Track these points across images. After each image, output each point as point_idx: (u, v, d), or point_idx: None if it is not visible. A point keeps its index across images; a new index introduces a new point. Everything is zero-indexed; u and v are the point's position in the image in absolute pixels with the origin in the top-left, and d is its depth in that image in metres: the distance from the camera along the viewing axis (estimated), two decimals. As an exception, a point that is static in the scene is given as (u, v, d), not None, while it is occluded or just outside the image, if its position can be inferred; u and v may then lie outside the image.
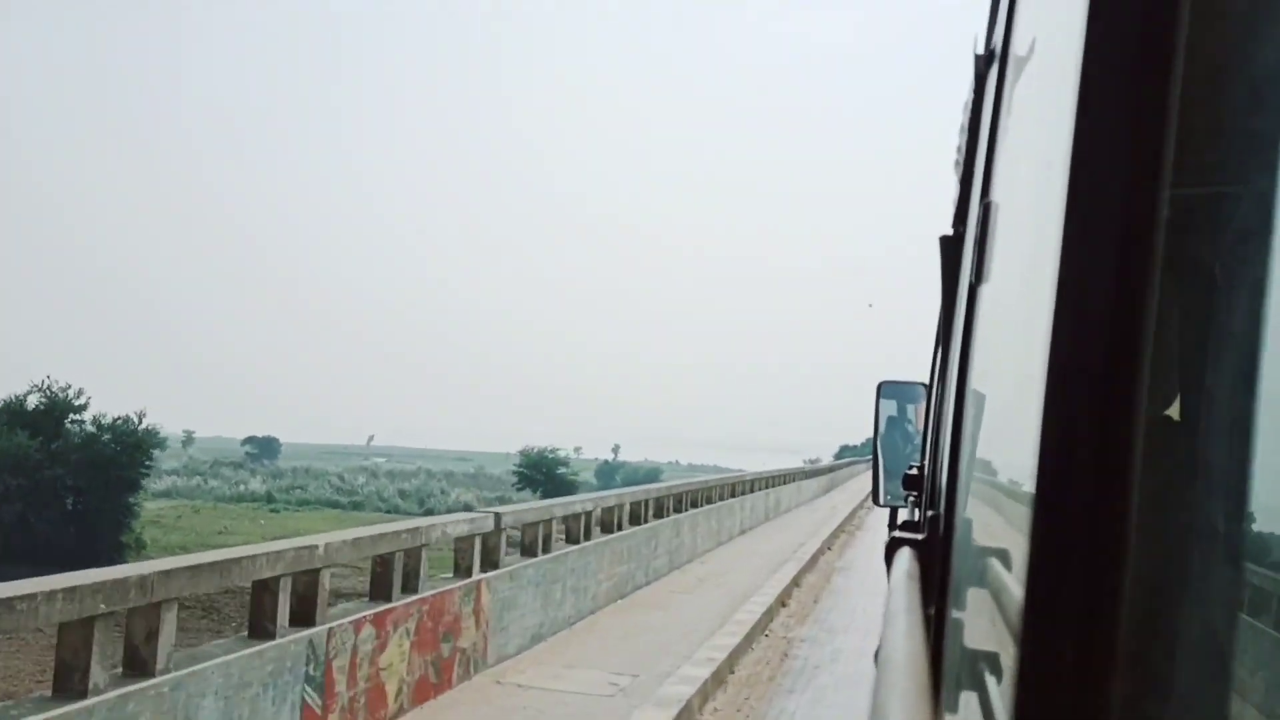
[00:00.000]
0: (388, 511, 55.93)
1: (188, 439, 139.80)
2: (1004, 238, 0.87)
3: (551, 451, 49.15)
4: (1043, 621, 0.46)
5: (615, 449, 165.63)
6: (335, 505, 59.27)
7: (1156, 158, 0.44)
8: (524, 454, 49.48)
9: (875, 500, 3.49)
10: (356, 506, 58.20)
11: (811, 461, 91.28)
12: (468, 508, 58.37)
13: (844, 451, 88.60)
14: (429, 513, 56.10)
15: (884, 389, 3.57)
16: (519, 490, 50.68)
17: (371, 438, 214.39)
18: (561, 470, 48.45)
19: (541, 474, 47.64)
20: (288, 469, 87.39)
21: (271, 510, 54.39)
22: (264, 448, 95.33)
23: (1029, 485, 0.48)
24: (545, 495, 47.05)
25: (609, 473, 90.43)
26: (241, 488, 65.35)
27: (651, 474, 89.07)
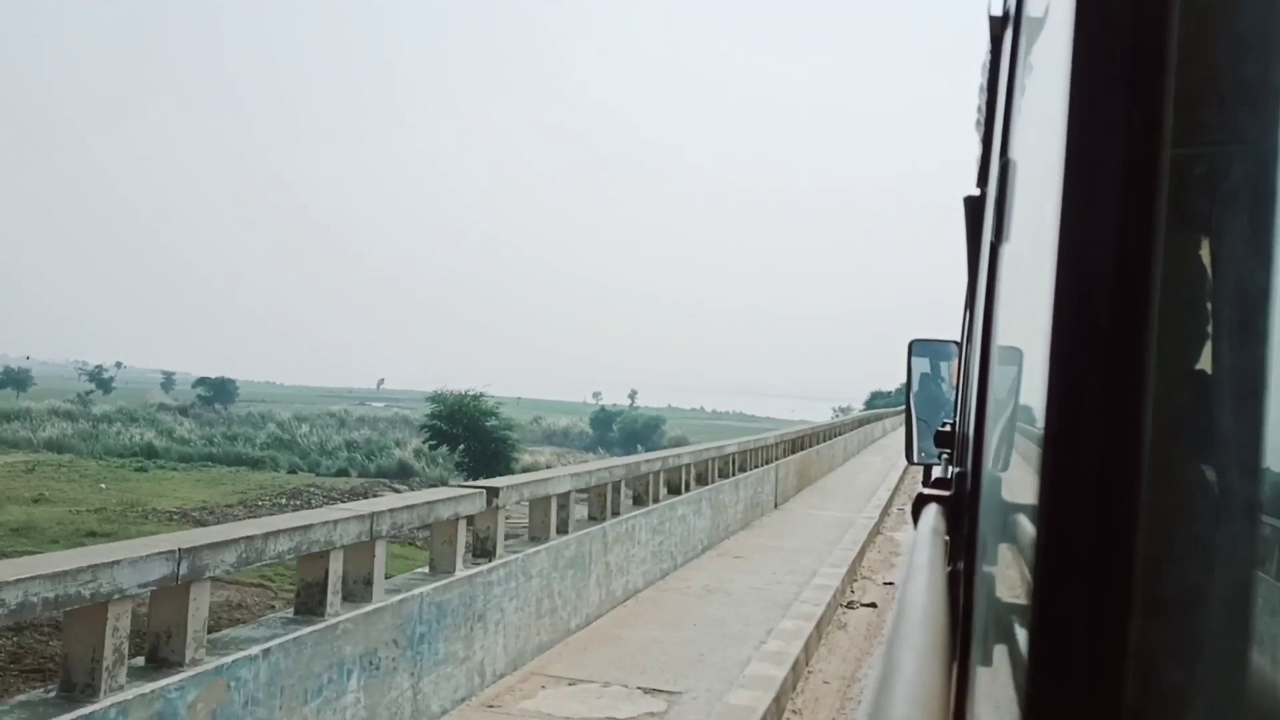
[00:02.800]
0: (291, 471, 44.78)
1: (167, 381, 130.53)
2: (1022, 197, 0.89)
3: (475, 396, 36.93)
4: (1057, 577, 0.46)
5: (633, 395, 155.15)
6: (242, 461, 47.98)
7: (1158, 115, 0.44)
8: (436, 399, 37.34)
9: (909, 458, 3.48)
10: (257, 464, 46.77)
11: (841, 410, 79.85)
12: (402, 463, 47.38)
13: (875, 398, 76.20)
14: (342, 473, 45.37)
15: (915, 347, 3.54)
16: (433, 448, 38.74)
17: (381, 381, 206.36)
18: (492, 422, 36.33)
19: (461, 426, 35.55)
20: (239, 414, 77.34)
21: (138, 469, 43.15)
22: (218, 390, 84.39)
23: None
24: (467, 452, 35.80)
25: (605, 421, 78.52)
26: (137, 438, 54.25)
27: (652, 424, 77.36)
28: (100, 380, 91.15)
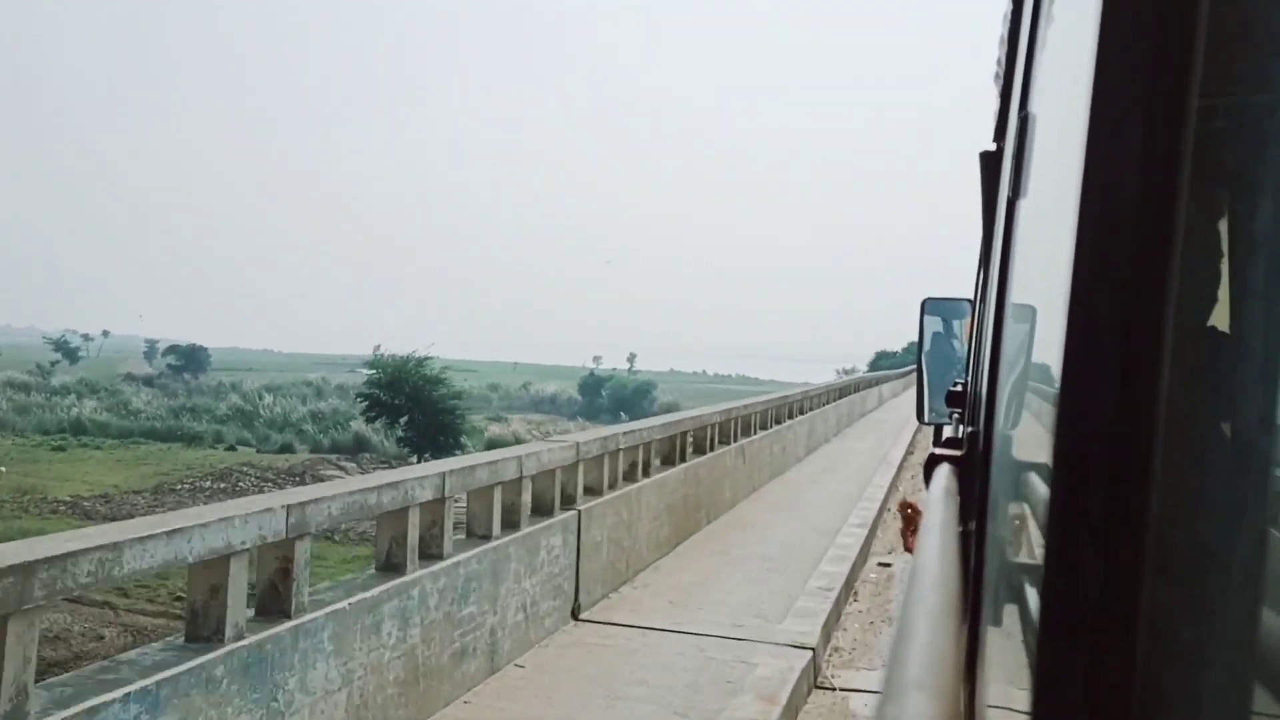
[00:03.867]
0: (230, 448, 40.26)
1: (150, 349, 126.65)
2: (1041, 150, 0.89)
3: (419, 361, 32.27)
4: (1069, 537, 0.46)
5: (631, 359, 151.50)
6: (183, 437, 43.51)
7: (1186, 66, 0.43)
8: (375, 364, 32.77)
9: (920, 418, 3.48)
10: (194, 440, 42.39)
11: (846, 371, 75.43)
12: (359, 437, 42.98)
13: (880, 358, 71.43)
14: (286, 449, 40.86)
15: (928, 306, 3.53)
16: (371, 420, 34.17)
17: (378, 347, 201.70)
18: (440, 390, 31.69)
19: (403, 395, 30.92)
20: (208, 384, 73.13)
21: (56, 448, 38.76)
22: (189, 358, 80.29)
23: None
24: (411, 424, 31.18)
25: (594, 387, 74.06)
26: (74, 412, 49.83)
27: (643, 389, 72.94)
28: (67, 350, 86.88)
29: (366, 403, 32.41)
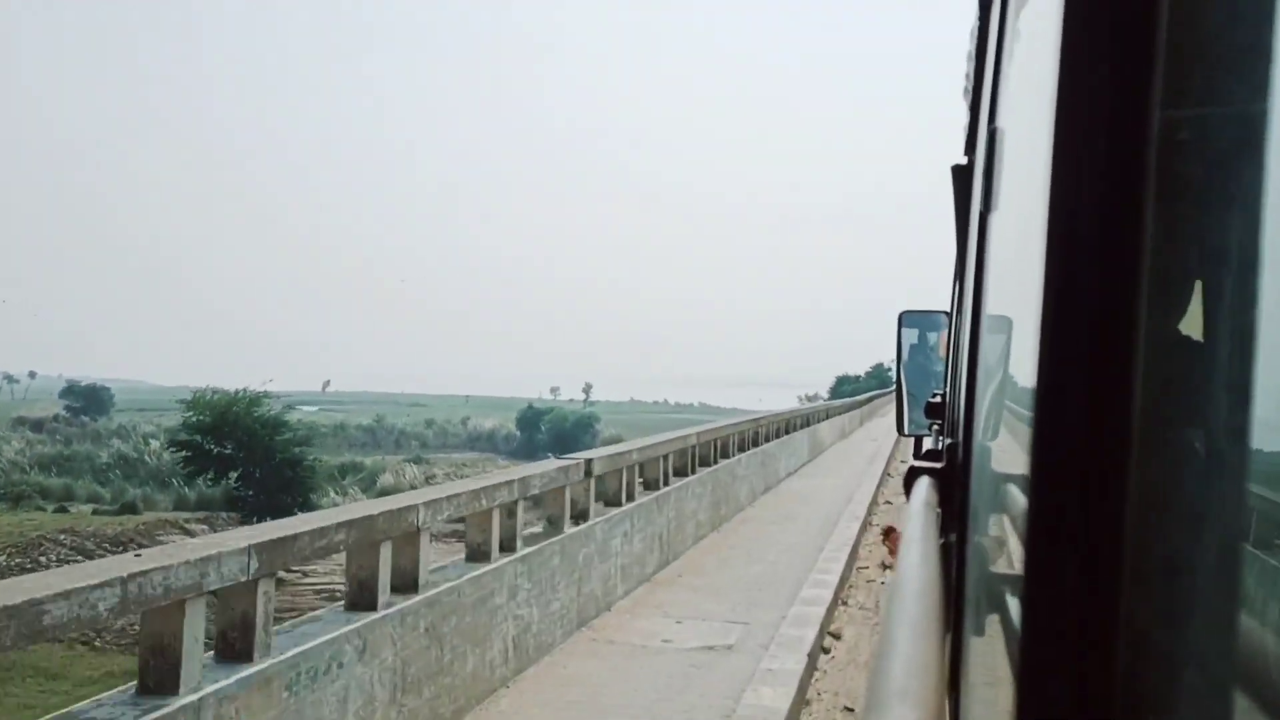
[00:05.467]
0: (60, 509, 33.50)
1: (67, 389, 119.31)
2: (1010, 165, 0.90)
3: (252, 399, 25.83)
4: (1048, 547, 0.47)
5: (587, 389, 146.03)
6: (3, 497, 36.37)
7: (1147, 80, 0.44)
8: (195, 403, 26.19)
9: (900, 430, 3.50)
10: (21, 500, 35.45)
11: (808, 398, 70.03)
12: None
13: (842, 384, 65.74)
14: (127, 509, 34.08)
15: (905, 318, 3.56)
16: (190, 475, 27.57)
17: (327, 383, 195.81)
18: (285, 436, 25.27)
19: (234, 442, 24.39)
20: (107, 427, 66.05)
21: None
22: (89, 399, 73.22)
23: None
24: (245, 479, 24.70)
25: (533, 420, 67.72)
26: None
27: (584, 422, 66.86)
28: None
29: (183, 449, 25.79)
